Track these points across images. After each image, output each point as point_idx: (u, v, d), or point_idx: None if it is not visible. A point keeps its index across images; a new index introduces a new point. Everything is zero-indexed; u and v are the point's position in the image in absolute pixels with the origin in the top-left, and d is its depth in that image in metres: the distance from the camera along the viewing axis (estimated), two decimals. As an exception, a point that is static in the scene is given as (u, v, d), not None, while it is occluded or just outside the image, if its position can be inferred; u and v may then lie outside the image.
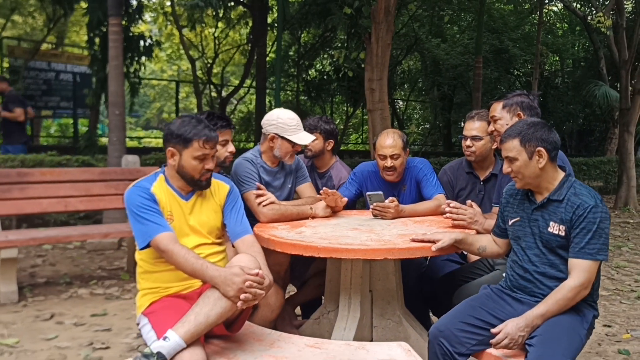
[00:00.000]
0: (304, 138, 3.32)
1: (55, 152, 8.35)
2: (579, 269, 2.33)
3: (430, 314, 3.71)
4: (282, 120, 3.28)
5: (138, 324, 2.55)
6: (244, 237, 2.64)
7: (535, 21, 17.80)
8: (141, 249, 2.43)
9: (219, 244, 2.68)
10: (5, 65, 13.96)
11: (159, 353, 2.12)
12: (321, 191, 3.32)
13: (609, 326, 4.39)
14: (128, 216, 2.49)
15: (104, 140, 14.39)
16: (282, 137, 3.29)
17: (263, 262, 2.48)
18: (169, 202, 2.53)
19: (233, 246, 2.73)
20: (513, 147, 2.44)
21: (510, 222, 2.61)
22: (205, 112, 2.84)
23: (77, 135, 14.51)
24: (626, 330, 4.31)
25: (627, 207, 11.25)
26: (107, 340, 3.92)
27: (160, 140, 24.31)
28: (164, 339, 2.17)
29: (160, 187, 2.54)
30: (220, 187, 2.69)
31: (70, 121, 17.60)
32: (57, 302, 4.75)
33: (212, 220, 2.63)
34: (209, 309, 2.22)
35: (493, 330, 2.36)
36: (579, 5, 17.43)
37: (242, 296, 2.21)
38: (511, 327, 2.34)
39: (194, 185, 2.57)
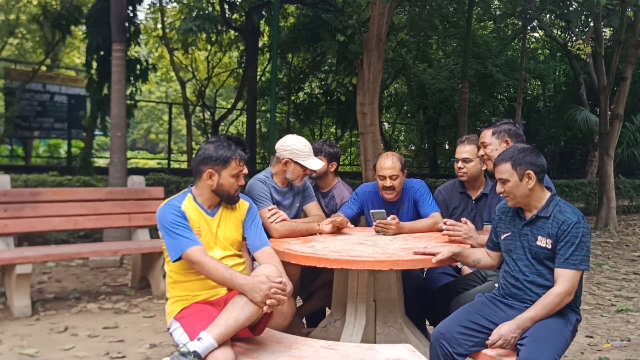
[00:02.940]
0: (315, 164, 3.63)
1: (56, 172, 8.56)
2: (564, 278, 2.65)
3: (427, 325, 3.99)
4: (296, 147, 3.59)
5: (169, 329, 2.80)
6: (263, 249, 2.94)
7: (517, 47, 18.40)
8: (174, 262, 2.71)
9: (240, 255, 2.97)
10: (0, 86, 14.20)
11: (195, 352, 2.39)
12: (332, 216, 3.63)
13: (591, 337, 4.70)
14: (160, 232, 2.76)
15: (95, 160, 14.58)
16: (295, 162, 3.59)
17: (283, 271, 2.77)
18: (197, 218, 2.82)
19: (252, 258, 3.01)
20: (505, 170, 2.77)
21: (502, 237, 2.92)
22: (224, 137, 3.10)
23: (71, 156, 14.69)
24: (607, 340, 4.62)
25: (608, 228, 11.66)
26: (122, 350, 4.16)
27: (148, 161, 24.55)
28: (199, 339, 2.44)
29: (189, 205, 2.83)
30: (241, 204, 2.99)
31: (59, 142, 17.81)
32: (69, 316, 4.96)
33: (234, 234, 2.92)
34: (237, 313, 2.50)
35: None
36: (559, 33, 18.05)
37: (268, 301, 2.50)
38: (504, 330, 2.64)
39: (229, 200, 2.88)
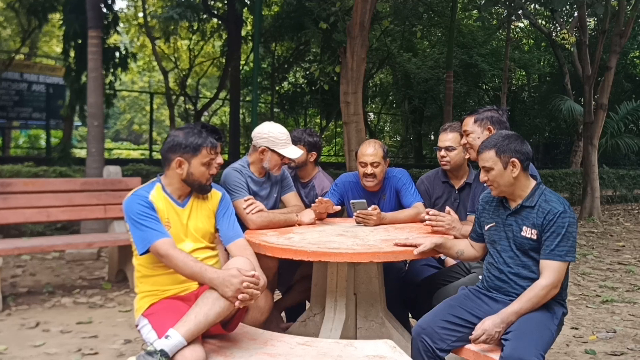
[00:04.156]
0: (293, 152, 3.49)
1: (31, 162, 8.35)
2: (550, 270, 2.54)
3: (410, 317, 3.88)
4: (273, 135, 3.45)
5: (137, 325, 2.66)
6: (236, 240, 2.80)
7: (502, 37, 18.35)
8: (141, 255, 2.56)
9: (212, 248, 2.83)
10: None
11: (162, 350, 2.25)
12: (317, 200, 3.49)
13: (576, 328, 4.62)
14: (127, 223, 2.61)
15: (77, 151, 14.33)
16: (273, 150, 3.45)
17: (256, 264, 2.63)
18: (166, 209, 2.67)
19: (225, 250, 2.88)
20: (489, 157, 2.65)
21: (486, 227, 2.80)
22: (199, 124, 2.98)
23: (50, 147, 14.41)
24: (592, 332, 4.55)
25: (592, 218, 11.66)
26: (95, 346, 4.00)
27: (131, 152, 24.20)
28: (166, 337, 2.30)
29: (158, 196, 2.68)
30: (213, 193, 2.85)
31: (40, 132, 17.48)
32: (41, 311, 4.80)
33: (206, 226, 2.78)
34: (208, 308, 2.37)
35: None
36: (544, 23, 18.01)
37: (239, 296, 2.36)
38: (488, 324, 2.53)
39: (200, 190, 2.73)
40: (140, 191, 2.67)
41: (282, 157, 3.48)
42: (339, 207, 3.60)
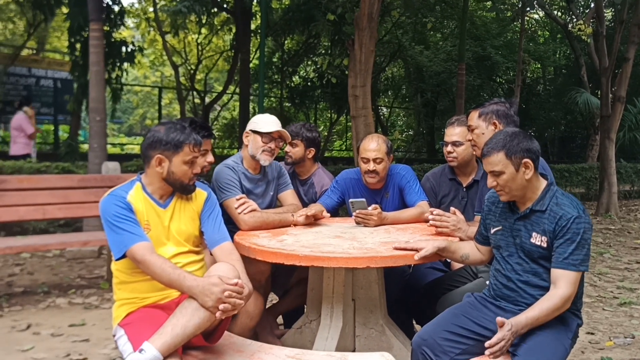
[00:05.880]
0: (268, 126, 3.33)
1: (34, 158, 8.22)
2: (564, 280, 2.29)
3: (414, 323, 3.67)
4: (256, 119, 3.41)
5: (114, 336, 2.48)
6: (222, 244, 2.59)
7: (517, 29, 17.98)
8: (117, 260, 2.38)
9: (197, 252, 2.63)
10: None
11: (134, 366, 2.06)
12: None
13: (592, 333, 4.38)
14: (103, 226, 2.43)
15: (85, 146, 14.22)
16: (253, 131, 3.34)
17: (242, 270, 2.43)
18: (145, 210, 2.48)
19: (211, 254, 2.68)
20: (499, 160, 2.38)
21: (492, 231, 2.57)
22: (187, 119, 2.79)
23: (58, 142, 14.32)
24: (609, 337, 4.30)
25: (609, 214, 11.33)
26: (84, 351, 3.84)
27: (143, 147, 24.08)
28: (140, 351, 2.11)
29: (137, 196, 2.49)
30: (198, 193, 2.64)
31: (51, 127, 17.41)
32: (35, 312, 4.65)
33: (190, 228, 2.58)
34: (186, 320, 2.17)
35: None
36: (559, 14, 17.62)
37: (221, 306, 2.16)
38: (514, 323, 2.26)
39: (183, 190, 2.54)
40: (117, 191, 2.49)
41: (261, 135, 3.30)
42: (328, 215, 3.38)
